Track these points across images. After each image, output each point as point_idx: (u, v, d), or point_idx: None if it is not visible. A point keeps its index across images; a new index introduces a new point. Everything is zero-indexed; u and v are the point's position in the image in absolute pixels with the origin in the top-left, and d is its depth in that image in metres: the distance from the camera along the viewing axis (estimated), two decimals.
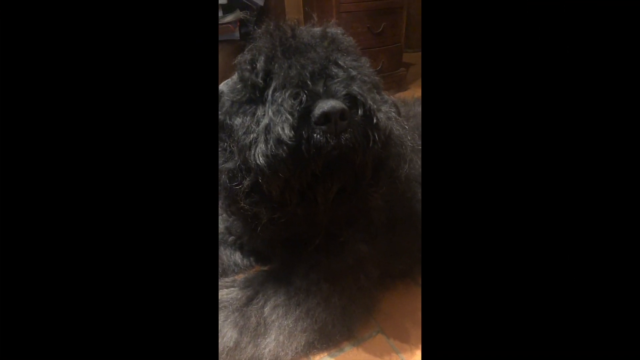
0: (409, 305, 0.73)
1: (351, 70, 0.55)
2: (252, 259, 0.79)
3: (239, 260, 0.79)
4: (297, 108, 0.48)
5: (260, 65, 0.54)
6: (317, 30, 0.58)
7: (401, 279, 0.77)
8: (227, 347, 0.57)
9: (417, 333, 0.67)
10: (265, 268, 0.78)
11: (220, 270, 0.76)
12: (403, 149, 0.58)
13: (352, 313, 0.64)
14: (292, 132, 0.47)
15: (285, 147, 0.47)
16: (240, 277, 0.77)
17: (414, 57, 2.48)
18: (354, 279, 0.65)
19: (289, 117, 0.48)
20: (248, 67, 0.56)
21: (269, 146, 0.48)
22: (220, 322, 0.59)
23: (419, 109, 0.88)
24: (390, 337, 0.67)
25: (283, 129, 0.47)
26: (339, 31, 0.60)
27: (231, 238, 0.79)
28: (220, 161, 0.57)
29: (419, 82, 2.07)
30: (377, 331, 0.68)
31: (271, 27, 0.58)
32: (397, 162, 0.57)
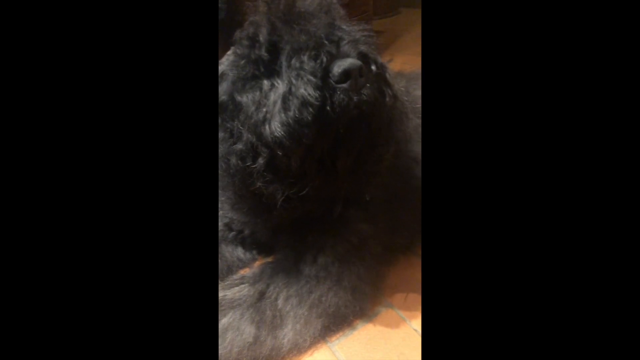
0: (413, 277, 0.76)
1: (354, 33, 0.56)
2: (254, 252, 0.80)
3: (242, 255, 0.79)
4: (319, 69, 0.48)
5: (263, 37, 0.53)
6: None
7: (402, 252, 0.80)
8: (248, 342, 0.58)
9: (420, 300, 0.71)
10: (269, 259, 0.78)
11: (224, 267, 0.76)
12: (405, 107, 0.61)
13: (362, 292, 0.66)
14: (317, 92, 0.48)
15: (311, 109, 0.48)
16: (246, 271, 0.77)
17: (383, 24, 2.44)
18: (360, 259, 0.67)
19: (312, 78, 0.48)
20: (248, 42, 0.55)
21: (289, 113, 0.48)
22: (236, 319, 0.60)
23: (401, 84, 0.88)
24: (400, 309, 0.70)
25: (307, 90, 0.47)
26: (334, 0, 0.60)
27: (232, 234, 0.79)
28: (226, 144, 0.56)
29: (391, 50, 2.05)
30: (387, 305, 0.71)
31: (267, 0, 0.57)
32: (401, 119, 0.60)
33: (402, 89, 0.67)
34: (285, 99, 0.49)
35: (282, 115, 0.49)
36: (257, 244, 0.79)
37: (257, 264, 0.80)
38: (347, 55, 0.50)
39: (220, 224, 0.79)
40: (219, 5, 0.93)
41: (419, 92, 0.89)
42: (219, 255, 0.76)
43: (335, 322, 0.64)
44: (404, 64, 1.84)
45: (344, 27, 0.56)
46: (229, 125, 0.56)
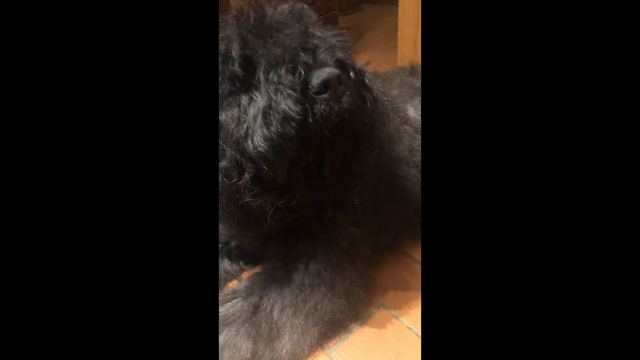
0: (400, 275, 0.77)
1: (329, 39, 0.55)
2: (241, 263, 0.78)
3: (229, 267, 0.77)
4: (298, 81, 0.48)
5: (235, 53, 0.52)
6: (285, 7, 0.57)
7: (388, 251, 0.81)
8: (246, 359, 0.57)
9: (411, 297, 0.73)
10: (257, 269, 0.77)
11: None
12: (385, 109, 0.62)
13: (356, 296, 0.66)
14: (299, 106, 0.47)
15: (293, 124, 0.47)
16: (234, 284, 0.75)
17: (348, 21, 2.46)
18: (351, 263, 0.67)
19: (292, 92, 0.47)
20: (221, 59, 0.54)
21: (271, 128, 0.48)
22: (232, 336, 0.58)
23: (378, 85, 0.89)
24: (391, 308, 0.71)
25: (288, 105, 0.47)
26: (304, 6, 0.59)
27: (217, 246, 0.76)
28: None
29: (357, 47, 2.07)
30: (378, 306, 0.71)
31: (237, 12, 0.55)
32: (382, 120, 0.61)
33: (381, 89, 0.68)
34: (265, 114, 0.49)
35: (264, 130, 0.48)
36: (244, 255, 0.77)
37: (245, 275, 0.78)
38: (324, 64, 0.50)
39: None
40: None
41: (395, 92, 0.90)
42: None
43: (332, 328, 0.64)
44: (372, 61, 1.87)
45: (318, 33, 0.55)
46: None
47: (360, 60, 0.65)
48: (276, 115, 0.48)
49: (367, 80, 0.55)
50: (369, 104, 0.54)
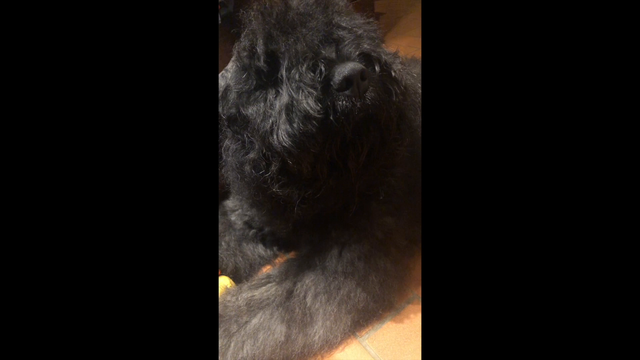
0: None
1: (356, 29, 0.53)
2: (275, 248, 0.79)
3: (263, 252, 0.78)
4: (318, 79, 0.47)
5: (260, 49, 0.52)
6: None
7: None
8: (280, 341, 0.58)
9: None
10: (290, 255, 0.78)
11: (247, 265, 0.76)
12: (417, 98, 0.60)
13: (389, 286, 0.65)
14: (319, 105, 0.46)
15: (314, 122, 0.47)
16: (268, 268, 0.77)
17: (384, 5, 2.38)
18: (385, 253, 0.66)
19: (312, 90, 0.47)
20: (247, 53, 0.54)
21: (294, 125, 0.48)
22: (266, 319, 0.59)
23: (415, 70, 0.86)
24: None
25: (309, 104, 0.46)
26: None
27: (252, 231, 0.78)
28: (239, 155, 0.56)
29: (393, 32, 2.01)
30: (412, 298, 0.70)
31: (261, 6, 0.54)
32: (414, 111, 0.59)
33: (415, 75, 0.64)
34: (288, 111, 0.48)
35: (287, 126, 0.48)
36: (277, 241, 0.78)
37: (278, 260, 0.79)
38: (347, 58, 0.48)
39: (240, 222, 0.78)
40: (223, 1, 0.90)
41: None
42: (241, 254, 0.76)
43: (365, 317, 0.63)
44: (408, 47, 1.81)
45: (344, 23, 0.53)
46: (239, 136, 0.56)
47: (395, 47, 0.62)
48: (298, 113, 0.47)
49: (393, 73, 0.52)
50: (395, 97, 0.51)
